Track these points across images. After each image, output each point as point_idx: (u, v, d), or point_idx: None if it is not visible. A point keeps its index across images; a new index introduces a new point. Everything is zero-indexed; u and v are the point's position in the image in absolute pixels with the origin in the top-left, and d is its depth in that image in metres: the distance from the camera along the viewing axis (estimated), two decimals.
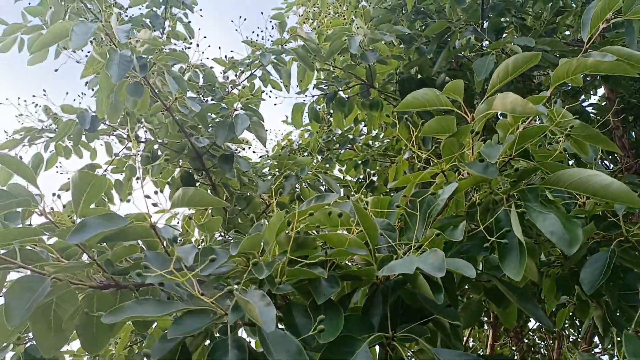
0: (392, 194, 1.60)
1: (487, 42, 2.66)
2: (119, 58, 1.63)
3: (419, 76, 2.99)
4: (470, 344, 4.70)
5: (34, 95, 2.58)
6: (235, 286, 0.89)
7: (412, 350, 1.12)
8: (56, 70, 2.12)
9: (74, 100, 2.58)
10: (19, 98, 2.59)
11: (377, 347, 1.08)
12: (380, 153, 3.78)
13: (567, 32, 3.48)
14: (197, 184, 2.41)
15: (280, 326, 1.01)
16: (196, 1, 2.75)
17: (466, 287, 1.54)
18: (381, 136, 4.10)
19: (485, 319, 4.08)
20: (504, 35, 2.69)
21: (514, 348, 4.74)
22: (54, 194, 1.24)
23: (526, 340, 4.86)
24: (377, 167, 3.88)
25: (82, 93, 2.57)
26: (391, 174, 3.11)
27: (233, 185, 2.40)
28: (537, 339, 4.97)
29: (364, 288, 1.23)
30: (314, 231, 1.19)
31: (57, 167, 2.77)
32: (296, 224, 1.06)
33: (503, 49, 2.35)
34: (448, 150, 1.35)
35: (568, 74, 1.23)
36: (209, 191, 2.51)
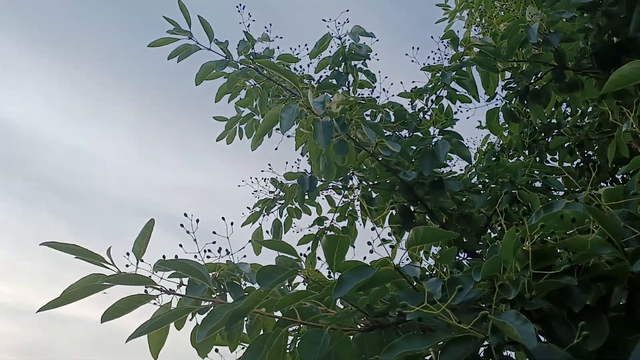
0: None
1: None
2: (321, 126, 1.86)
3: (615, 40, 2.70)
4: None
5: (262, 171, 3.05)
6: (487, 310, 0.95)
7: None
8: (276, 149, 2.48)
9: (292, 167, 2.95)
10: (250, 177, 3.08)
11: None
12: (594, 130, 3.45)
13: None
14: (415, 213, 2.52)
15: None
16: (370, 49, 2.94)
17: None
18: (589, 110, 3.74)
19: None
20: None
21: None
22: (301, 254, 1.49)
23: None
24: (596, 146, 3.53)
25: (298, 159, 2.93)
26: (610, 151, 2.82)
27: (449, 206, 2.45)
28: None
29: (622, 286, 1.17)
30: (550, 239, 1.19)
31: (292, 226, 3.17)
32: (529, 238, 1.08)
33: None
34: None
35: None
36: (427, 217, 2.61)
